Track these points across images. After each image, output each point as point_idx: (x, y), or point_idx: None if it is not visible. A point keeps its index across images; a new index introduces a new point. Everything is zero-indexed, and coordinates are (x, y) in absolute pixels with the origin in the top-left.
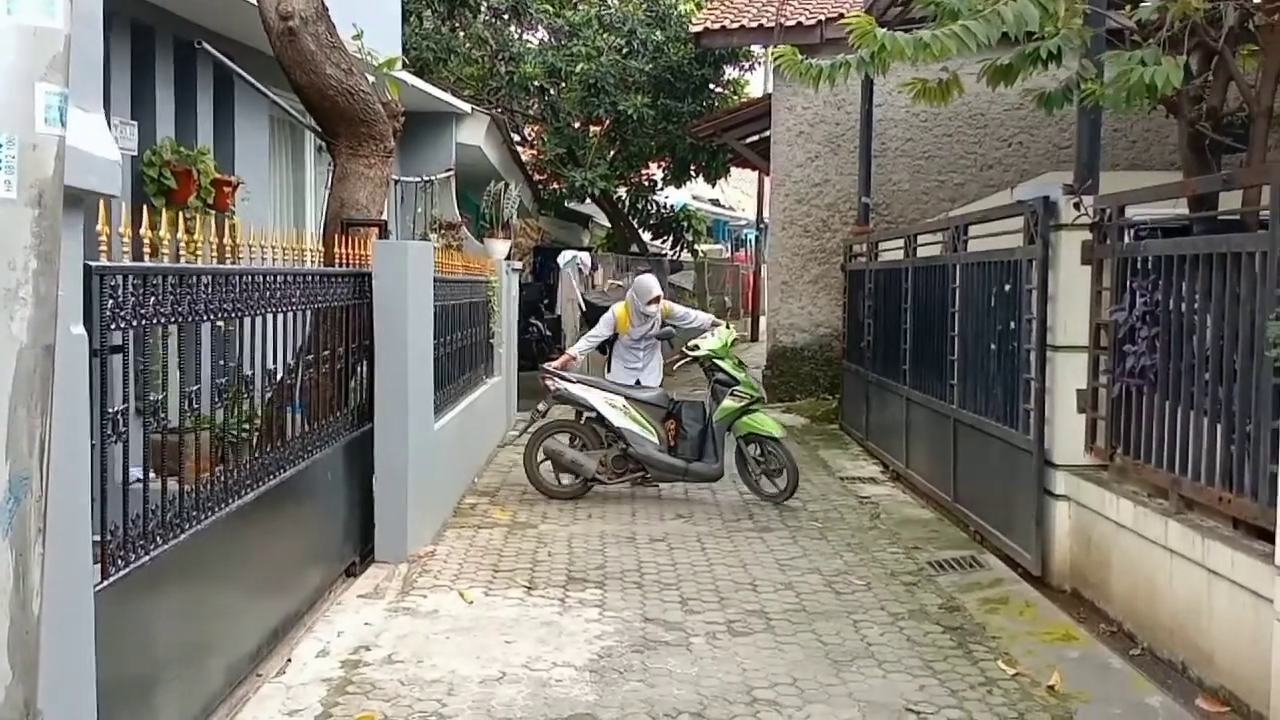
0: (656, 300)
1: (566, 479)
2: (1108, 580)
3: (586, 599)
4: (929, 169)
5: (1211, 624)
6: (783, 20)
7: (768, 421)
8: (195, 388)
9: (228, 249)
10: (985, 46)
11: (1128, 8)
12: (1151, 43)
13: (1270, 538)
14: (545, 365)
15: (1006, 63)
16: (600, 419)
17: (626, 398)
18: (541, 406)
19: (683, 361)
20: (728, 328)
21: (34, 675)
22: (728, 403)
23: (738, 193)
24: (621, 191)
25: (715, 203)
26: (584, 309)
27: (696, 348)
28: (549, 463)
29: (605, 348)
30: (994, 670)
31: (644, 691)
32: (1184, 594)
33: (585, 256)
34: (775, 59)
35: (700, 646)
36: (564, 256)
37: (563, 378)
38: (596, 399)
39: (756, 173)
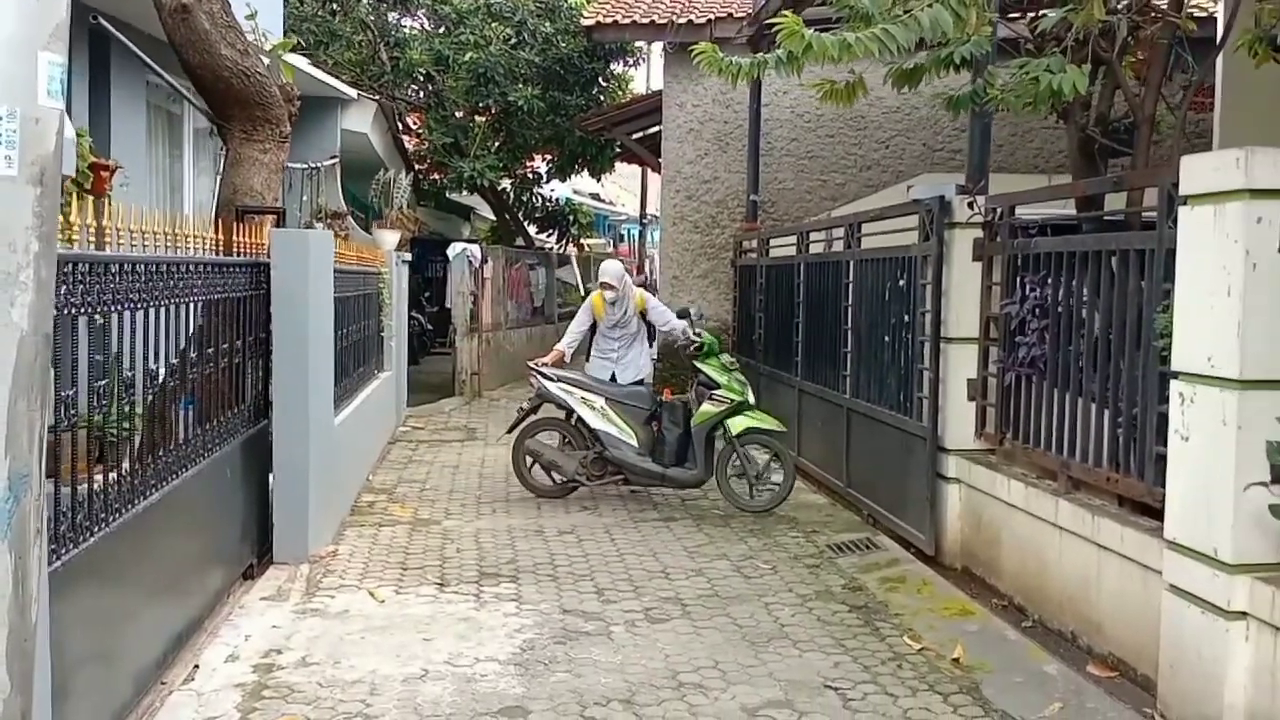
0: (610, 286)
1: (554, 478)
2: (998, 558)
3: (502, 593)
4: (812, 168)
5: (1101, 596)
6: (674, 17)
7: (757, 418)
8: (72, 391)
9: (110, 233)
10: (905, 50)
11: (1028, 18)
12: (1055, 51)
13: (1155, 514)
14: (531, 362)
15: (912, 66)
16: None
17: (608, 398)
18: (525, 405)
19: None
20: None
21: (31, 685)
22: (706, 407)
23: (617, 188)
24: (506, 183)
25: (596, 197)
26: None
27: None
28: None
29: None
30: (901, 646)
31: (571, 682)
32: (1074, 569)
33: (476, 249)
34: (696, 55)
35: (621, 635)
36: (454, 249)
37: (544, 375)
38: (574, 398)
39: (639, 168)
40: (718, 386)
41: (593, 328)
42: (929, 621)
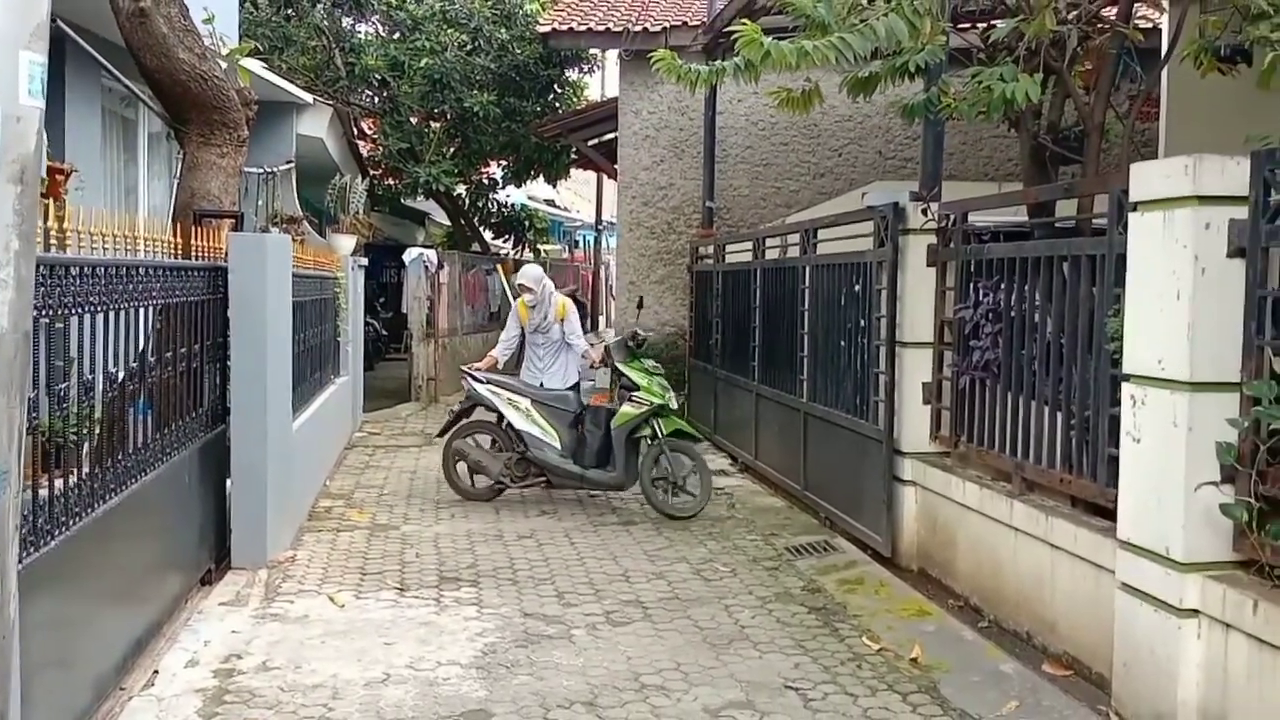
0: (528, 289)
1: (480, 481)
2: (954, 559)
3: (462, 597)
4: (767, 175)
5: (1055, 595)
6: (630, 25)
7: (681, 423)
8: (33, 394)
9: (70, 236)
10: (861, 59)
11: (980, 27)
12: (1008, 60)
13: (1107, 515)
14: (465, 366)
15: (867, 75)
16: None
17: (534, 399)
18: (456, 407)
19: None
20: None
21: (9, 682)
22: (626, 409)
23: (571, 194)
24: (461, 189)
25: (551, 203)
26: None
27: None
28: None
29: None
30: (860, 646)
31: (534, 684)
32: (1028, 569)
33: (432, 254)
34: (655, 62)
35: (583, 638)
36: (410, 254)
37: (474, 377)
38: (500, 399)
39: (595, 175)
40: (639, 389)
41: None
42: (887, 622)
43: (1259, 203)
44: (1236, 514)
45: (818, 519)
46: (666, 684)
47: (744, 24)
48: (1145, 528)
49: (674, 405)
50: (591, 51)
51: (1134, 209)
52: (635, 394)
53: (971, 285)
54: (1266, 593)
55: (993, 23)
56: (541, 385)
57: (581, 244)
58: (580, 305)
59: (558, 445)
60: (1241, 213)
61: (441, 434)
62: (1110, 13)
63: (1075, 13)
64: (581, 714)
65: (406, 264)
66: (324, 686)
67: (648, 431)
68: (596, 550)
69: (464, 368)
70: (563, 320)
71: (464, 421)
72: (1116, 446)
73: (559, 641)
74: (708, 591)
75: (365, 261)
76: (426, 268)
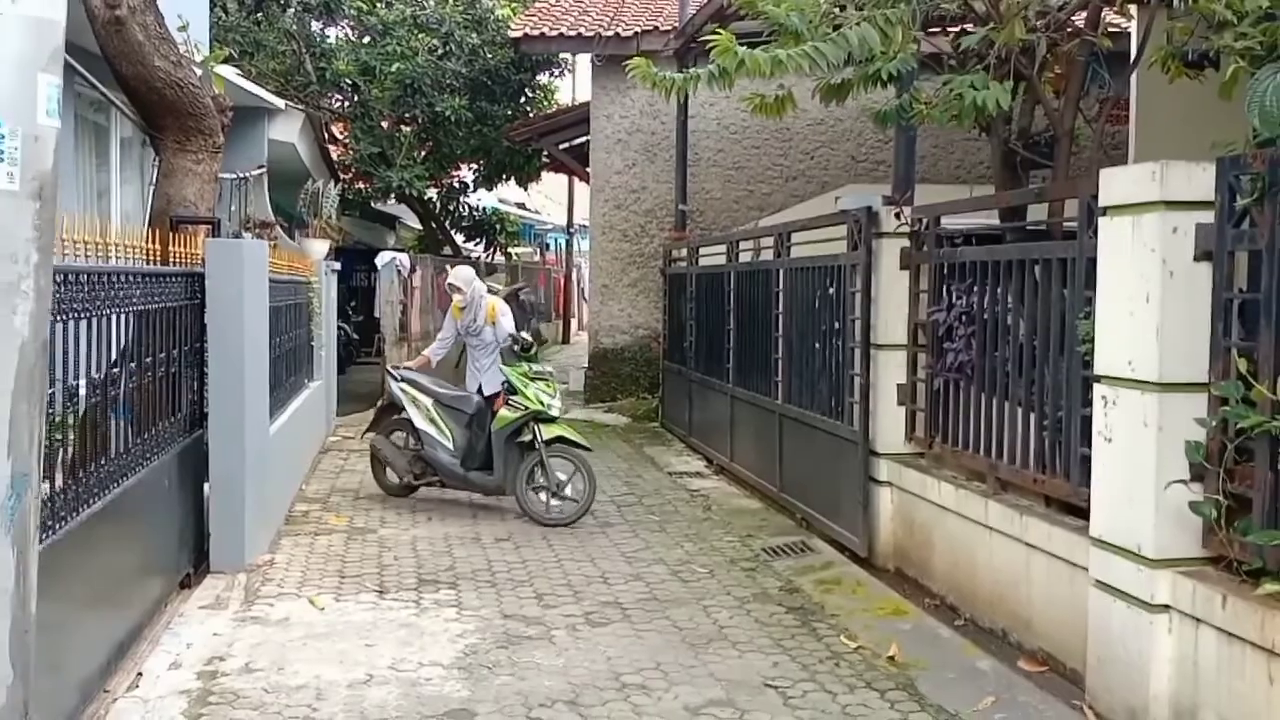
0: (456, 289)
1: (393, 476)
2: (930, 558)
3: (442, 599)
4: (739, 179)
5: (1030, 593)
6: (602, 30)
7: (563, 428)
8: None
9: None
10: (834, 66)
11: (951, 35)
12: (979, 68)
13: (1080, 514)
14: (390, 366)
15: (839, 81)
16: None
17: (437, 399)
18: (380, 403)
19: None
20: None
21: (30, 676)
22: (503, 412)
23: (542, 197)
24: (432, 193)
25: (522, 206)
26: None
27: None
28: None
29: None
30: (838, 645)
31: (515, 684)
32: (1004, 567)
33: (404, 258)
34: (630, 69)
35: (563, 639)
36: (382, 258)
37: (392, 375)
38: (406, 398)
39: (566, 178)
40: (516, 393)
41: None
42: (864, 621)
43: (1224, 208)
44: (1205, 511)
45: (794, 520)
46: (647, 683)
47: (716, 30)
48: (1117, 525)
49: (554, 411)
50: (562, 56)
51: (1104, 213)
52: (513, 398)
53: (945, 288)
54: (1235, 587)
55: (963, 29)
56: (480, 388)
57: (554, 247)
58: (523, 305)
59: (450, 446)
60: (1208, 217)
61: (366, 431)
62: (1079, 19)
63: (1044, 20)
64: (564, 713)
65: (379, 267)
66: (307, 687)
67: (529, 437)
68: (574, 552)
69: (389, 367)
70: (494, 323)
71: (390, 419)
72: (1089, 446)
73: (539, 642)
74: (686, 592)
75: (338, 265)
76: (399, 271)
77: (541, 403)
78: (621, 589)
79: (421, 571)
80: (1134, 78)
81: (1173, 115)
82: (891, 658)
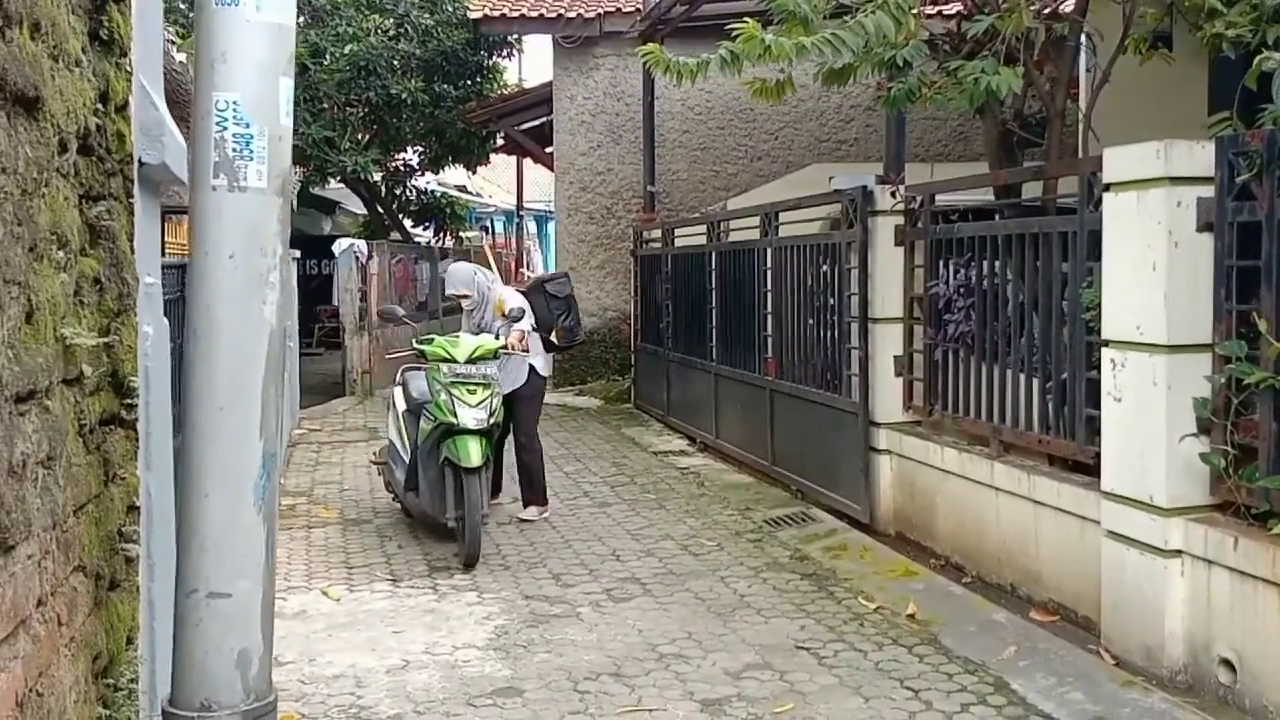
0: (464, 295)
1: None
2: (932, 521)
3: (458, 584)
4: (705, 159)
5: (1039, 548)
6: (564, 11)
7: (464, 447)
8: None
9: None
10: (853, 54)
11: (951, 18)
12: (988, 54)
13: (1084, 470)
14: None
15: (840, 66)
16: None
17: (410, 405)
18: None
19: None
20: (496, 336)
21: (272, 647)
22: (421, 424)
23: (482, 179)
24: (377, 176)
25: (463, 189)
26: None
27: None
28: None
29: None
30: (858, 607)
31: (555, 660)
32: (1011, 525)
33: (362, 244)
34: (643, 55)
35: (590, 615)
36: (340, 245)
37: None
38: (389, 402)
39: (515, 160)
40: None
41: None
42: (877, 583)
43: (1224, 183)
44: (1214, 461)
45: (789, 492)
46: (683, 652)
47: (686, 11)
48: (1129, 479)
49: (471, 425)
50: (511, 36)
51: (1108, 189)
52: (427, 406)
53: (942, 263)
54: (1244, 530)
55: (960, 13)
56: None
57: (501, 229)
58: (553, 299)
59: (407, 460)
60: (1208, 192)
61: None
62: (1068, 6)
63: (1039, 6)
64: (610, 684)
65: (336, 255)
66: (345, 676)
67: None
68: (579, 532)
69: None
70: (504, 315)
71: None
72: (1094, 407)
73: (567, 620)
74: (699, 565)
75: (297, 254)
76: (357, 258)
77: (455, 414)
78: (636, 565)
79: (430, 558)
80: (1084, 58)
81: (1128, 92)
82: (911, 615)
